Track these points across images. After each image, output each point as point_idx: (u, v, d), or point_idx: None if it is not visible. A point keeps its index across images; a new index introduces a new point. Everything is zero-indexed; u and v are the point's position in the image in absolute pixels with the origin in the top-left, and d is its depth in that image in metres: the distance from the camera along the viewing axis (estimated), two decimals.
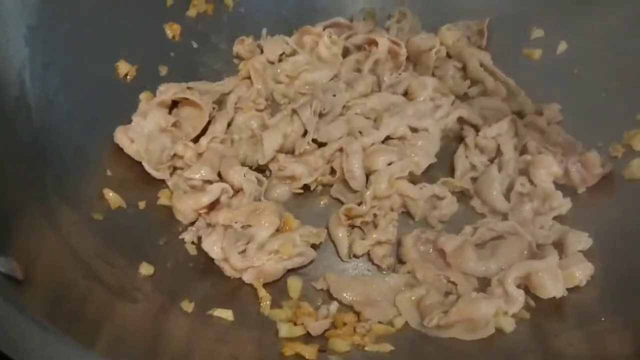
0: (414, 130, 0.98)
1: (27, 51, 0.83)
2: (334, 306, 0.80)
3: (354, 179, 0.93)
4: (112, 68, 0.97)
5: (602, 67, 1.03)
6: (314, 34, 1.13)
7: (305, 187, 0.95)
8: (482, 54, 1.11)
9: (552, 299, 0.78)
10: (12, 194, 0.73)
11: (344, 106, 1.02)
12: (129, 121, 0.94)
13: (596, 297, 0.79)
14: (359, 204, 0.89)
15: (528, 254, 0.84)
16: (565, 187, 0.93)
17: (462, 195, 0.95)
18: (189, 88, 1.00)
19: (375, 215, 0.90)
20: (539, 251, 0.84)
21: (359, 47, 1.14)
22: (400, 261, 0.88)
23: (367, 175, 0.94)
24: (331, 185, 0.96)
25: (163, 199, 0.91)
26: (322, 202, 0.96)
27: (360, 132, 0.97)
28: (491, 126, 0.99)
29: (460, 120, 1.03)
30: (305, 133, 0.98)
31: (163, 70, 1.04)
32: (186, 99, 0.97)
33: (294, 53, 1.12)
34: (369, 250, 0.88)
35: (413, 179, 0.94)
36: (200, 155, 0.94)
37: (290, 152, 0.98)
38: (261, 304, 0.81)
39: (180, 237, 0.87)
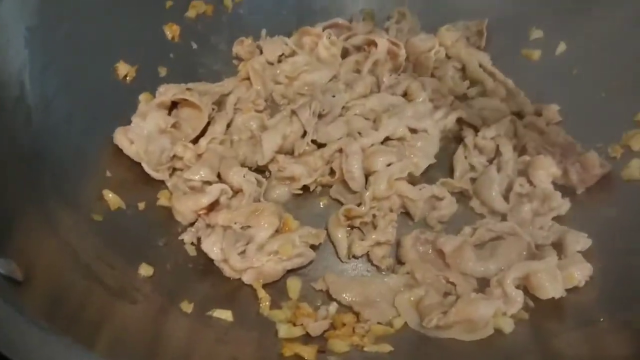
0: (413, 131, 0.98)
1: (26, 52, 0.83)
2: (333, 307, 0.80)
3: (353, 179, 0.93)
4: (111, 69, 0.98)
5: (601, 67, 1.03)
6: (313, 34, 1.13)
7: (305, 187, 0.95)
8: (481, 55, 1.12)
9: (551, 300, 0.78)
10: (11, 195, 0.73)
11: (343, 107, 1.03)
12: (129, 122, 0.94)
13: (595, 298, 0.79)
14: (359, 205, 0.90)
15: (527, 254, 0.85)
16: (564, 187, 0.93)
17: (461, 196, 0.95)
18: (188, 89, 1.00)
19: (374, 216, 0.90)
20: (538, 252, 0.84)
21: (358, 48, 1.14)
22: (400, 262, 0.88)
23: (367, 176, 0.94)
24: (330, 186, 0.96)
25: (162, 199, 0.91)
26: (321, 203, 0.96)
27: (360, 133, 0.97)
28: (490, 127, 0.99)
29: (460, 121, 1.03)
30: (304, 134, 0.98)
31: (162, 71, 1.04)
32: (185, 100, 0.97)
33: (293, 54, 1.12)
34: (368, 251, 0.88)
35: (412, 180, 0.94)
36: (199, 156, 0.94)
37: (290, 153, 0.98)
38: (260, 305, 0.81)
39: (180, 238, 0.87)
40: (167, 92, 0.98)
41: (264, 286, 0.82)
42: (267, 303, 0.81)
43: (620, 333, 0.73)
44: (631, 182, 0.91)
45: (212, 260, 0.83)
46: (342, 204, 0.93)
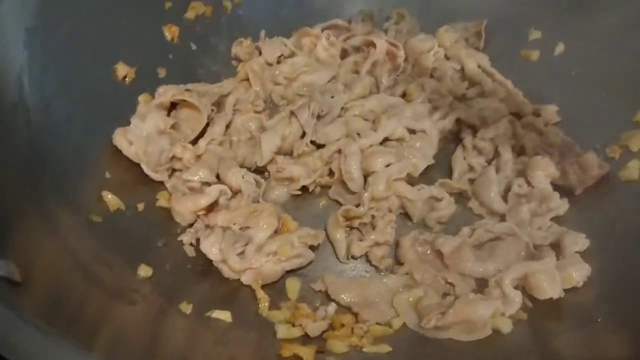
0: (412, 131, 0.98)
1: (25, 54, 0.83)
2: (332, 307, 0.80)
3: (352, 180, 0.93)
4: (110, 70, 0.98)
5: (600, 68, 1.03)
6: (312, 35, 1.13)
7: (304, 188, 0.95)
8: (480, 56, 1.12)
9: (549, 300, 0.79)
10: (10, 196, 0.73)
11: (342, 108, 1.03)
12: (128, 123, 0.94)
13: (593, 298, 0.79)
14: (357, 206, 0.90)
15: (525, 255, 0.85)
16: (562, 188, 0.93)
17: (460, 197, 0.96)
18: (187, 90, 1.00)
19: (373, 217, 0.90)
20: (536, 252, 0.84)
21: (357, 49, 1.14)
22: (398, 262, 0.88)
23: (365, 177, 0.94)
24: (329, 187, 0.97)
25: (162, 200, 0.91)
26: (320, 204, 0.96)
27: (359, 134, 0.98)
28: (489, 127, 0.99)
29: (458, 121, 1.03)
30: (303, 135, 0.98)
31: (162, 72, 1.04)
32: (184, 101, 0.98)
33: (292, 55, 1.12)
34: (367, 252, 0.88)
35: (411, 181, 0.94)
36: (198, 157, 0.94)
37: (289, 153, 0.98)
38: (259, 306, 0.81)
39: (179, 238, 0.87)
40: (166, 93, 0.99)
41: (263, 287, 0.83)
42: (266, 304, 0.81)
43: (618, 333, 0.73)
44: (629, 183, 0.91)
45: (211, 261, 0.84)
46: (341, 204, 0.93)
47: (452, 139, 1.04)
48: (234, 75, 1.11)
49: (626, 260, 0.82)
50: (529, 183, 0.93)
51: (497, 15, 1.15)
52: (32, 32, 0.85)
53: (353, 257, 0.89)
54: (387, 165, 0.93)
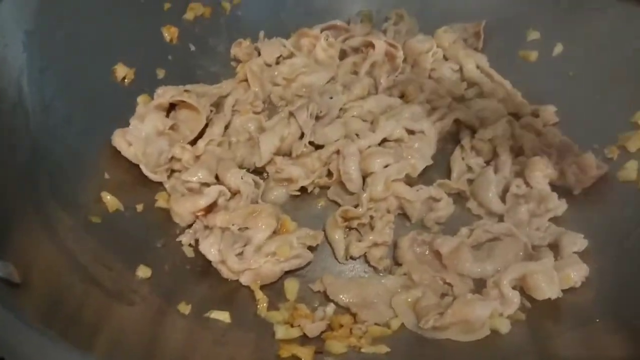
0: (411, 132, 0.99)
1: (25, 55, 0.84)
2: (330, 308, 0.80)
3: (350, 181, 0.93)
4: (109, 71, 0.98)
5: (598, 69, 1.04)
6: (311, 36, 1.14)
7: (303, 189, 0.95)
8: (479, 56, 1.12)
9: (547, 300, 0.79)
10: (9, 196, 0.73)
11: (340, 108, 1.03)
12: (127, 124, 0.94)
13: (591, 299, 0.80)
14: (356, 206, 0.90)
15: (524, 255, 0.85)
16: (560, 188, 0.93)
17: (459, 197, 0.96)
18: (186, 91, 1.00)
19: (371, 217, 0.90)
20: (534, 253, 0.84)
21: (356, 50, 1.15)
22: (397, 263, 0.88)
23: (364, 178, 0.94)
24: (328, 188, 0.97)
25: (161, 201, 0.91)
26: (319, 205, 0.96)
27: (357, 135, 0.98)
28: (487, 128, 0.99)
29: (457, 122, 1.03)
30: (302, 135, 0.98)
31: (161, 73, 1.04)
32: (183, 101, 0.98)
33: (291, 55, 1.12)
34: (365, 252, 0.88)
35: (409, 181, 0.94)
36: (197, 158, 0.94)
37: (288, 154, 0.98)
38: (258, 306, 0.81)
39: (178, 239, 0.87)
40: (165, 94, 0.99)
41: (262, 287, 0.83)
42: (265, 304, 0.81)
43: (616, 334, 0.74)
44: (627, 184, 0.92)
45: (209, 262, 0.84)
46: (339, 205, 0.93)
47: (451, 140, 1.04)
48: (233, 76, 1.11)
49: (624, 261, 0.82)
50: (527, 183, 0.93)
51: (495, 16, 1.15)
52: (32, 34, 0.85)
53: (352, 258, 0.89)
54: (386, 166, 0.93)
